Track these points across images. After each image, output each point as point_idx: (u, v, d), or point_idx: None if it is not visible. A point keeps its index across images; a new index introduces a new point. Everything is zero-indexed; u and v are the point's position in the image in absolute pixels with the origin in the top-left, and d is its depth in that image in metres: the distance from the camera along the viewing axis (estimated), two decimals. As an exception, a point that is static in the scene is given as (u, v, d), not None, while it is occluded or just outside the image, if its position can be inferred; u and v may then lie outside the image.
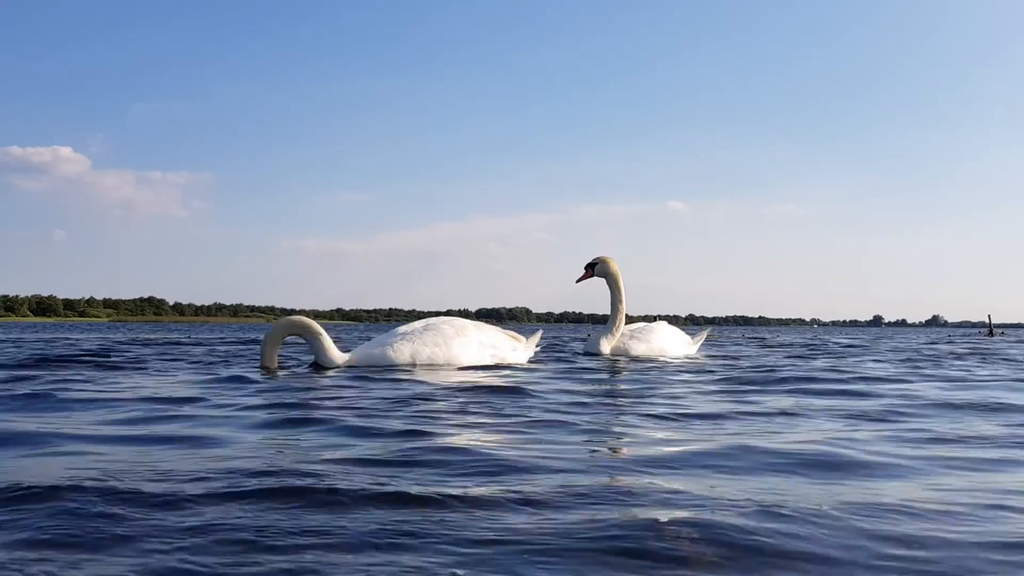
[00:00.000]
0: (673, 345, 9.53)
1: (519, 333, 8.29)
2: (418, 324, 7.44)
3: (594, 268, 9.31)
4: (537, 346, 8.42)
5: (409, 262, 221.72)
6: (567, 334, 21.13)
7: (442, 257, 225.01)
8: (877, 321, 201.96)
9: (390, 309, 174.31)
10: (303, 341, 7.66)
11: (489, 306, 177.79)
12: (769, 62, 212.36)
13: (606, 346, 9.20)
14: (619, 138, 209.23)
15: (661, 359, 8.90)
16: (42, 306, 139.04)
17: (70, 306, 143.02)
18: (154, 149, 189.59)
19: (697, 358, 9.50)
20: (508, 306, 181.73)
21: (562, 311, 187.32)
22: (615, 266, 9.29)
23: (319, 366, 6.86)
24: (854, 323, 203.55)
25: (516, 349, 7.73)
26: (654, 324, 9.87)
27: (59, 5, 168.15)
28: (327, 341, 6.92)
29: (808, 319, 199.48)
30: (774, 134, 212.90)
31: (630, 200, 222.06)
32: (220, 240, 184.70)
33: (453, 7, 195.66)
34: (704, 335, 10.76)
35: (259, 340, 8.03)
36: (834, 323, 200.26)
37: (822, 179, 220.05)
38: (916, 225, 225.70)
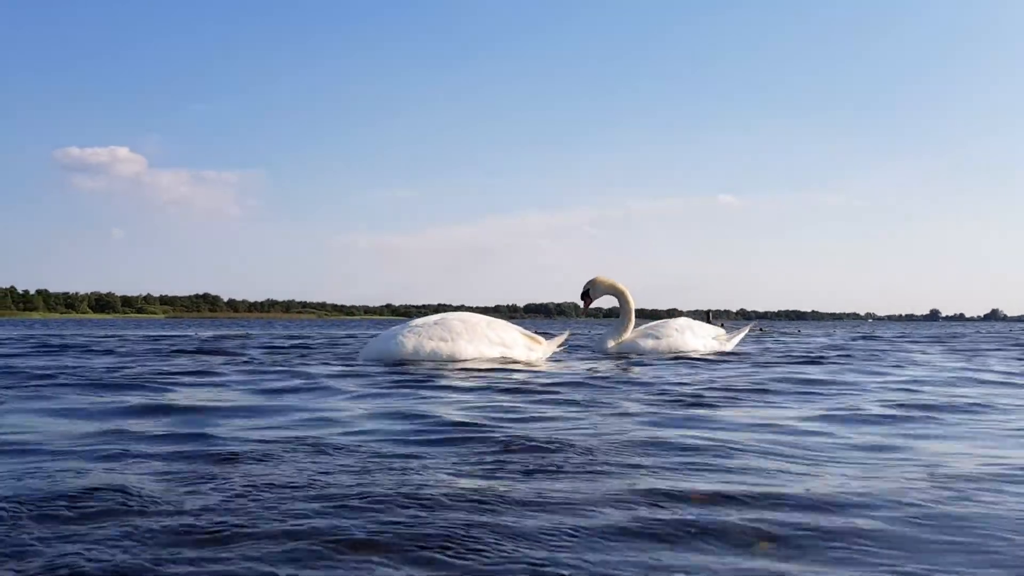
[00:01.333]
0: (689, 341, 9.57)
1: (563, 330, 8.54)
2: (432, 318, 7.41)
3: (589, 293, 9.54)
4: (560, 346, 8.29)
5: (458, 257, 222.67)
6: (603, 328, 21.19)
7: (491, 252, 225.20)
8: (934, 315, 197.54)
9: (439, 304, 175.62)
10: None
11: (538, 301, 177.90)
12: (821, 53, 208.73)
13: (611, 344, 9.42)
14: (669, 131, 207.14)
15: (672, 355, 8.98)
16: (101, 303, 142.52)
17: (128, 303, 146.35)
18: (208, 148, 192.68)
19: (722, 352, 9.60)
20: (557, 301, 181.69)
21: (611, 307, 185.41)
22: (605, 279, 9.53)
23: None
24: (910, 317, 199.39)
25: (533, 349, 7.57)
26: (672, 320, 9.95)
27: (114, 10, 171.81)
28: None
29: (863, 313, 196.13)
30: (827, 125, 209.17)
31: (680, 194, 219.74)
32: (272, 237, 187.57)
33: (502, 1, 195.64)
34: (745, 330, 10.74)
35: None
36: (890, 317, 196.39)
37: (876, 170, 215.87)
38: (974, 216, 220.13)
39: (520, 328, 7.75)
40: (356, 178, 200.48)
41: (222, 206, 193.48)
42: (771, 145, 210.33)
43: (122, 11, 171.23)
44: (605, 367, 7.11)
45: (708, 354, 9.31)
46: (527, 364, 7.17)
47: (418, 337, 7.06)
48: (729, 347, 10.05)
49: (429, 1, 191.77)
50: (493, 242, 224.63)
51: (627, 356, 8.87)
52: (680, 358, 8.49)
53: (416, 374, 5.85)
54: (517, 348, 7.42)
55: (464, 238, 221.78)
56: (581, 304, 9.68)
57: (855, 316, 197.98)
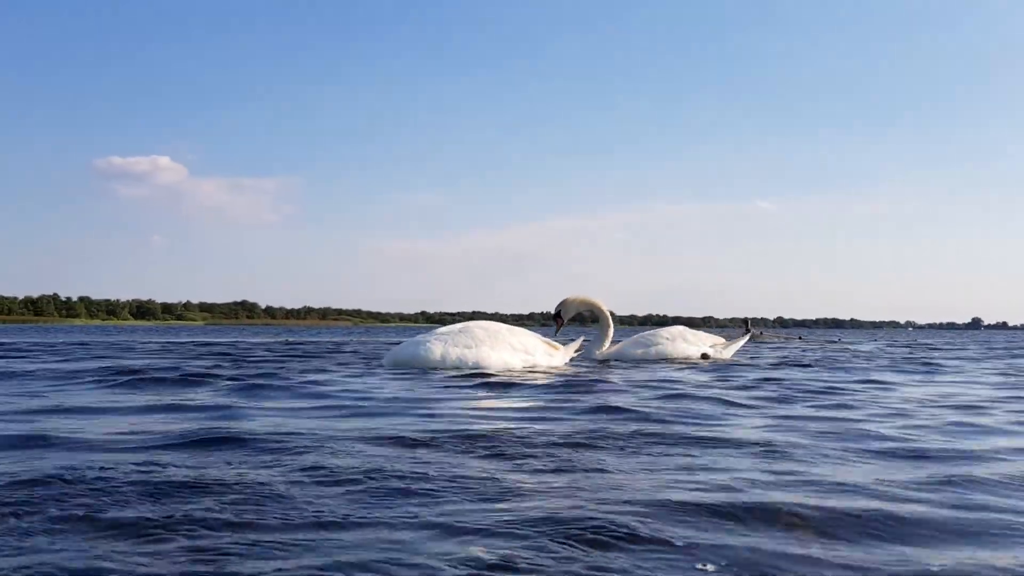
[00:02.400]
0: (680, 348, 9.77)
1: (578, 337, 8.92)
2: (456, 327, 7.70)
3: (560, 314, 9.38)
4: (577, 352, 8.66)
5: (491, 263, 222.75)
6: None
7: (524, 258, 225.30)
8: (976, 323, 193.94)
9: (473, 312, 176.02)
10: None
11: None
12: (863, 57, 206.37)
13: (597, 353, 9.40)
14: (705, 136, 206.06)
15: (663, 361, 9.28)
16: (142, 310, 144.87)
17: (168, 310, 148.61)
18: (246, 156, 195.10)
19: (717, 361, 9.63)
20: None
21: (646, 314, 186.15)
22: (576, 296, 9.37)
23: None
24: (951, 325, 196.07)
25: (552, 355, 7.88)
26: (663, 329, 10.19)
27: (155, 22, 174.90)
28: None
29: (903, 321, 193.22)
30: (867, 130, 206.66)
31: (715, 199, 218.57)
32: (308, 243, 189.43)
33: (534, 6, 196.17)
34: (745, 339, 11.09)
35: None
36: (930, 325, 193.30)
37: (917, 176, 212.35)
38: (1017, 223, 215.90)
39: (538, 335, 8.02)
40: (390, 184, 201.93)
41: (259, 213, 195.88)
42: (809, 150, 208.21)
43: (163, 23, 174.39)
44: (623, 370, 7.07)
45: (700, 361, 9.49)
46: (550, 368, 7.60)
47: (444, 345, 7.32)
48: (726, 355, 10.17)
49: (462, 7, 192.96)
50: (526, 248, 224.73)
51: (618, 363, 9.04)
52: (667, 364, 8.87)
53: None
54: (538, 354, 7.72)
55: (497, 244, 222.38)
56: (554, 325, 9.54)
57: (895, 324, 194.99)
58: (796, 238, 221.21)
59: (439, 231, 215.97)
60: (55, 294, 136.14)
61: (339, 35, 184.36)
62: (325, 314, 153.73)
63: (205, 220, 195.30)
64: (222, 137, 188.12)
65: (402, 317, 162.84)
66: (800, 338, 26.70)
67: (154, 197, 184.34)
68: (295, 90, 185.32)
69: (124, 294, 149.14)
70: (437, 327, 8.12)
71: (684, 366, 8.55)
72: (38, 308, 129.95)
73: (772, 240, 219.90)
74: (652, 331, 10.12)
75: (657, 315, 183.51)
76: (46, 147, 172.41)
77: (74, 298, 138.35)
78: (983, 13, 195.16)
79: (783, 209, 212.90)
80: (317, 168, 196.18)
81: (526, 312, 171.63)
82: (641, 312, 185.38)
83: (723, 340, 10.37)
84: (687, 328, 10.34)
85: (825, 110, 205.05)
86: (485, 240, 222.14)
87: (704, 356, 9.83)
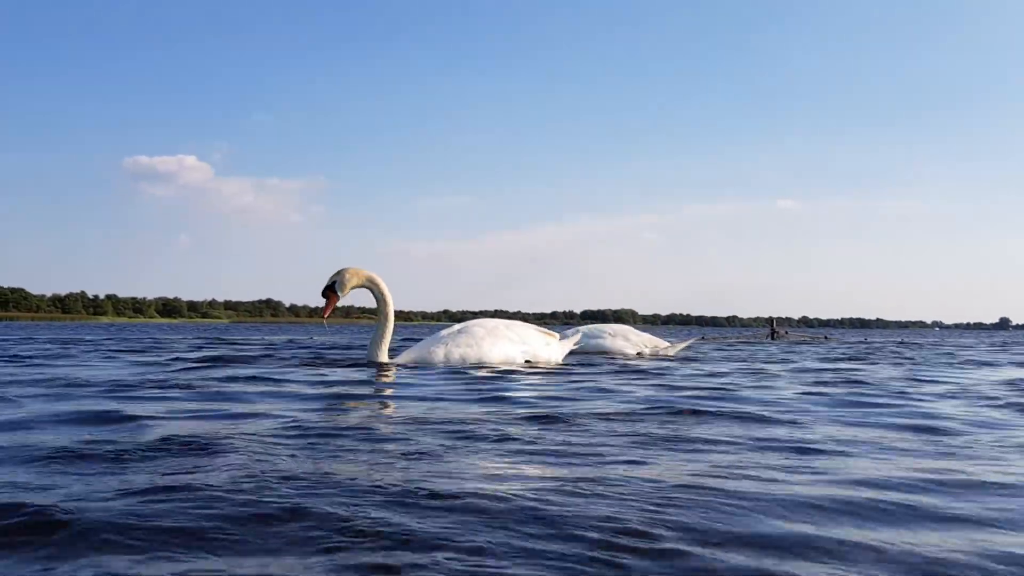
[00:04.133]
0: (620, 346, 10.27)
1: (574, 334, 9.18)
2: (456, 327, 8.01)
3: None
4: (576, 345, 8.89)
5: (515, 263, 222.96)
6: (671, 336, 20.87)
7: (547, 258, 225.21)
8: (1004, 324, 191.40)
9: (496, 310, 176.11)
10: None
11: (594, 308, 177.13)
12: (885, 55, 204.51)
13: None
14: (728, 135, 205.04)
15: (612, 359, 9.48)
16: (168, 308, 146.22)
17: (193, 307, 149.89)
18: (271, 157, 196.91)
19: (653, 359, 9.76)
20: (614, 308, 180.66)
21: (669, 313, 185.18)
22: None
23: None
24: (979, 325, 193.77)
25: (549, 344, 8.16)
26: (607, 325, 10.73)
27: (181, 25, 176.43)
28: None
29: (929, 321, 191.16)
30: (889, 128, 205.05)
31: (738, 198, 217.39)
32: (333, 243, 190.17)
33: (557, 7, 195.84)
34: (690, 341, 12.08)
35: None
36: (957, 325, 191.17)
37: (940, 174, 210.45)
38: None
39: (535, 326, 8.36)
40: (414, 185, 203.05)
41: (285, 213, 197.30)
42: (833, 149, 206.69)
43: (189, 26, 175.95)
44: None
45: (636, 359, 9.65)
46: (547, 361, 7.98)
47: (446, 346, 7.60)
48: (671, 351, 10.59)
49: (486, 9, 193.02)
50: (549, 248, 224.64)
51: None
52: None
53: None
54: (536, 344, 8.03)
55: (520, 244, 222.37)
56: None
57: (921, 324, 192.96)
58: (820, 237, 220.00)
59: (463, 231, 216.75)
60: (82, 292, 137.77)
61: (365, 38, 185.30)
62: (349, 312, 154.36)
63: (231, 219, 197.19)
64: (248, 138, 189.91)
65: (425, 316, 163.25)
66: (826, 338, 26.42)
67: (180, 196, 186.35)
68: (320, 92, 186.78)
69: (150, 292, 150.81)
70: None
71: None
72: (66, 306, 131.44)
73: (796, 239, 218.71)
74: (595, 326, 10.62)
75: (680, 314, 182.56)
76: (75, 147, 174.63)
77: (101, 296, 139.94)
78: (1015, 9, 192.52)
79: (807, 208, 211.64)
80: (342, 169, 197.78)
81: (549, 311, 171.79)
82: (664, 312, 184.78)
83: (664, 342, 10.79)
84: (629, 327, 10.88)
85: (849, 109, 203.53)
86: (508, 240, 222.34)
87: (639, 355, 10.20)
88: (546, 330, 8.42)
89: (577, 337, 8.96)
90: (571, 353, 9.10)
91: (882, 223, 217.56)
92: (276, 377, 5.96)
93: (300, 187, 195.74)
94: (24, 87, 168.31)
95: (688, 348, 11.95)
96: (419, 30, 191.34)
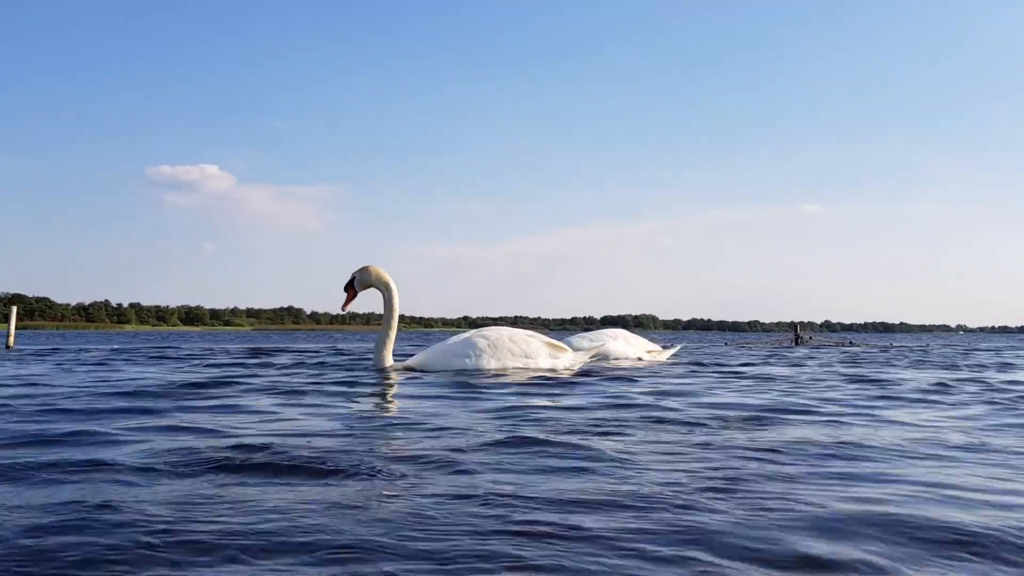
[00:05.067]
0: (624, 350, 10.38)
1: (630, 340, 9.44)
2: (459, 336, 8.01)
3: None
4: (593, 357, 8.83)
5: (533, 268, 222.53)
6: (685, 342, 20.74)
7: (566, 263, 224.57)
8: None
9: (515, 317, 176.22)
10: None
11: (615, 313, 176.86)
12: (906, 58, 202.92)
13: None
14: (747, 139, 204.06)
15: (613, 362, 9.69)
16: (191, 316, 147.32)
17: (216, 315, 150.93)
18: (292, 164, 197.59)
19: (649, 365, 9.73)
20: (634, 313, 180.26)
21: (690, 318, 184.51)
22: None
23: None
24: (1004, 329, 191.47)
25: (557, 357, 7.97)
26: (606, 330, 10.86)
27: (201, 36, 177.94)
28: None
29: (953, 325, 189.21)
30: (912, 129, 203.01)
31: (760, 203, 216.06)
32: (352, 250, 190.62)
33: (575, 11, 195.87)
34: (676, 348, 11.83)
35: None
36: (982, 329, 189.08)
37: (964, 175, 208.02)
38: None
39: (545, 338, 8.14)
40: (433, 191, 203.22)
41: (305, 220, 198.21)
42: (855, 152, 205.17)
43: (208, 37, 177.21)
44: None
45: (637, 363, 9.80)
46: (552, 371, 7.63)
47: (445, 357, 7.64)
48: (661, 357, 10.70)
49: (502, 15, 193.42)
50: (568, 253, 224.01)
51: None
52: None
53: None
54: (540, 358, 7.85)
55: (539, 249, 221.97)
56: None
57: (945, 328, 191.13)
58: (843, 241, 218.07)
59: (482, 237, 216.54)
60: (106, 301, 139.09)
61: (383, 45, 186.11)
62: (369, 319, 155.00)
63: (252, 228, 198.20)
64: (269, 146, 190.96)
65: (445, 322, 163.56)
66: (851, 343, 26.20)
67: (203, 205, 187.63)
68: (340, 100, 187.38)
69: (173, 300, 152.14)
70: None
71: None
72: (90, 314, 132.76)
73: (818, 244, 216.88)
74: (599, 332, 10.70)
75: (701, 319, 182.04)
76: (99, 157, 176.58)
77: (125, 304, 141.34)
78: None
79: (829, 212, 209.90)
80: (362, 176, 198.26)
81: (569, 316, 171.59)
82: (685, 317, 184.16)
83: (659, 347, 10.95)
84: (628, 332, 11.03)
85: (872, 111, 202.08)
86: (528, 246, 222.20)
87: (639, 359, 10.36)
88: (555, 342, 8.13)
89: (594, 351, 8.81)
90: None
91: (905, 226, 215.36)
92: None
93: (320, 194, 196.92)
94: (48, 98, 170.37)
95: (675, 355, 11.94)
96: (437, 36, 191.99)
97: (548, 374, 7.20)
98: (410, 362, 7.83)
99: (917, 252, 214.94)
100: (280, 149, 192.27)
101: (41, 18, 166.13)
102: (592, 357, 8.70)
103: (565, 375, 7.17)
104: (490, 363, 7.56)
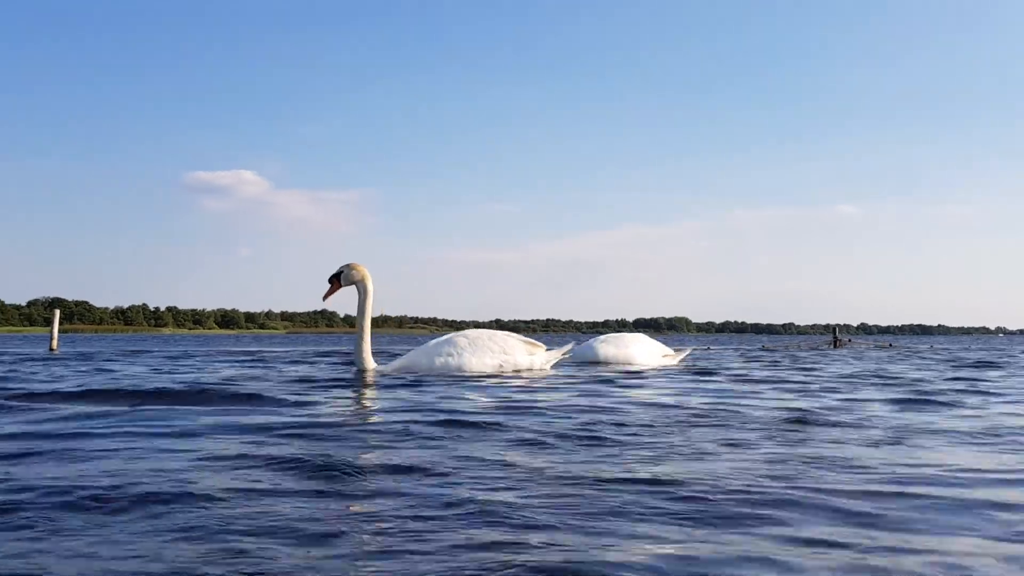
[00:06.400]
0: (641, 355, 10.36)
1: (627, 342, 9.79)
2: (443, 338, 8.32)
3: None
4: (565, 354, 8.94)
5: (566, 271, 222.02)
6: (719, 345, 20.40)
7: (598, 266, 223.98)
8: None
9: (547, 319, 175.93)
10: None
11: (647, 316, 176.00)
12: (943, 59, 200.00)
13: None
14: (781, 139, 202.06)
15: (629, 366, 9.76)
16: (226, 319, 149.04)
17: (251, 319, 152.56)
18: (326, 169, 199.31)
19: (670, 369, 9.77)
20: (667, 316, 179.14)
21: (723, 321, 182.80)
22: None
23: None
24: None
25: (533, 355, 8.36)
26: (625, 334, 10.90)
27: (237, 44, 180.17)
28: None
29: (993, 327, 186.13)
30: (951, 129, 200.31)
31: (794, 204, 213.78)
32: (384, 253, 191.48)
33: (608, 14, 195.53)
34: (688, 350, 11.81)
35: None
36: (1021, 332, 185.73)
37: (1004, 176, 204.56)
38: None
39: (520, 336, 8.54)
40: (466, 195, 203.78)
41: (339, 224, 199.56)
42: (893, 153, 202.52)
43: (244, 44, 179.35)
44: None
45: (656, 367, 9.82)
46: (530, 369, 8.20)
47: (428, 356, 7.95)
48: (673, 361, 10.71)
49: (535, 20, 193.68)
50: (599, 256, 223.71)
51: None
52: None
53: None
54: (517, 354, 8.23)
55: (571, 252, 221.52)
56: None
57: (984, 330, 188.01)
58: (880, 243, 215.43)
59: (515, 240, 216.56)
60: (144, 304, 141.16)
61: (414, 50, 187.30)
62: (402, 322, 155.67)
63: (287, 232, 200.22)
64: (303, 151, 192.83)
65: (477, 325, 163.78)
66: (890, 345, 25.88)
67: (238, 210, 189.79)
68: (373, 105, 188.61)
69: (209, 304, 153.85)
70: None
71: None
72: (128, 318, 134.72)
73: (855, 245, 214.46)
74: (614, 335, 10.78)
75: (735, 322, 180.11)
76: (137, 164, 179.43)
77: (162, 308, 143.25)
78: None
79: (866, 213, 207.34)
80: (395, 180, 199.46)
81: (601, 319, 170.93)
82: (718, 320, 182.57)
83: (673, 351, 10.96)
84: (646, 336, 11.13)
85: (909, 111, 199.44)
86: (561, 248, 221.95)
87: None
88: (532, 341, 8.52)
89: (567, 348, 9.08)
90: (575, 362, 9.15)
91: (943, 227, 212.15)
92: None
93: (354, 198, 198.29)
94: (87, 105, 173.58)
95: (687, 358, 11.89)
96: (470, 42, 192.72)
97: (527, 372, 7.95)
98: (394, 363, 8.07)
99: (955, 253, 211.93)
100: (314, 154, 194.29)
101: (81, 26, 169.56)
102: (564, 354, 8.90)
103: (540, 374, 7.83)
104: (471, 360, 7.89)
